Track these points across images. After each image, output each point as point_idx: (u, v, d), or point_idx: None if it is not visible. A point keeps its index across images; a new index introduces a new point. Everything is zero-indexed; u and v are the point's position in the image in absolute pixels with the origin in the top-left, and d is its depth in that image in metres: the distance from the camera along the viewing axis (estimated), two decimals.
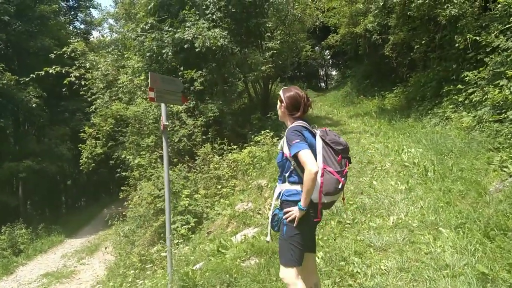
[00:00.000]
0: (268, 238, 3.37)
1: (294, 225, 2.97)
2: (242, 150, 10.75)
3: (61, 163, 25.82)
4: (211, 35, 11.06)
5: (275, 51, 12.91)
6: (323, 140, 3.04)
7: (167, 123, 5.89)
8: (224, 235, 7.18)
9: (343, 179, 3.00)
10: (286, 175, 3.06)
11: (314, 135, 3.07)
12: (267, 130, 11.25)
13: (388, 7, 14.35)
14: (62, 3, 28.02)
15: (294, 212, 2.96)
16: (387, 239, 4.85)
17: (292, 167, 3.01)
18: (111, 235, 14.04)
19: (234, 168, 10.30)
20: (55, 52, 12.08)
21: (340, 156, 3.05)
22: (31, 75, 12.00)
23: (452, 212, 5.19)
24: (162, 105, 5.79)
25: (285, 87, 3.25)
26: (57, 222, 21.41)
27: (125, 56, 13.82)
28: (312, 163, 2.82)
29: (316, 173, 2.82)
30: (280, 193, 3.14)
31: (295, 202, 2.98)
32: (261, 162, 10.07)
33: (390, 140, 10.13)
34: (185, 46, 11.50)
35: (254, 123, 13.02)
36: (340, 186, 2.99)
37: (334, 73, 41.53)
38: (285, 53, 14.35)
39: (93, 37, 30.48)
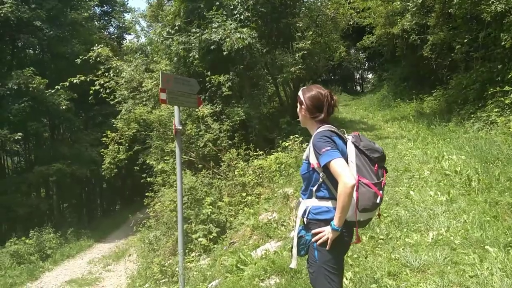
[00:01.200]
0: (294, 265, 2.81)
1: (327, 248, 2.55)
2: (268, 156, 10.26)
3: (96, 167, 26.18)
4: (239, 36, 10.66)
5: (305, 52, 12.37)
6: (356, 147, 2.63)
7: (180, 127, 5.45)
8: (245, 248, 6.68)
9: (381, 192, 2.60)
10: (314, 189, 2.63)
11: (345, 142, 2.68)
12: (296, 135, 10.73)
13: (427, 6, 13.70)
14: (97, 8, 28.58)
15: (326, 233, 2.53)
16: (426, 258, 4.29)
17: (320, 179, 2.59)
18: (136, 242, 13.83)
19: (260, 175, 9.81)
20: (80, 57, 12.08)
21: (376, 166, 2.66)
22: (57, 87, 12.26)
23: (501, 228, 4.59)
24: (176, 108, 5.36)
25: (305, 87, 2.87)
26: (90, 226, 21.56)
27: (154, 59, 13.67)
28: (349, 175, 2.41)
29: (353, 186, 2.41)
30: (306, 210, 2.68)
31: (326, 222, 2.57)
32: (288, 169, 9.57)
33: (429, 146, 9.60)
34: (212, 47, 11.16)
35: (282, 127, 12.51)
36: (378, 200, 2.58)
37: (370, 76, 40.68)
38: (317, 54, 13.77)
39: (127, 41, 30.84)
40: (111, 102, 11.73)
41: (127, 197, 37.78)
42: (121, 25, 30.22)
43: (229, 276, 5.54)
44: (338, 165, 2.43)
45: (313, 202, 2.64)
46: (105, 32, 28.63)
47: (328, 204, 2.59)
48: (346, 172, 2.41)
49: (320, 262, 2.58)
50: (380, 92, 22.56)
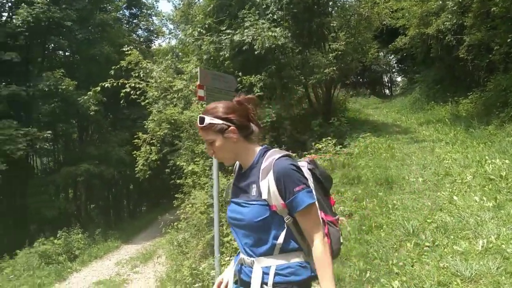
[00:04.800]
0: None
1: None
2: (301, 157, 9.96)
3: (123, 168, 26.41)
4: (271, 35, 10.44)
5: (340, 52, 12.06)
6: (313, 175, 2.10)
7: None
8: None
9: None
10: (278, 241, 1.92)
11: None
12: (329, 138, 10.46)
13: (464, 6, 13.25)
14: (125, 11, 28.89)
15: None
16: (477, 267, 4.02)
17: (285, 226, 1.93)
18: (164, 244, 13.70)
19: None
20: (113, 67, 12.12)
21: (330, 197, 2.21)
22: (89, 93, 12.37)
23: None
24: None
25: (206, 108, 2.13)
26: (117, 227, 21.62)
27: (183, 60, 13.59)
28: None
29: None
30: (266, 274, 1.94)
31: (303, 284, 1.93)
32: None
33: (469, 150, 9.22)
34: (244, 48, 10.98)
35: (315, 129, 12.21)
36: (341, 241, 2.12)
37: (399, 79, 40.09)
38: (350, 55, 13.44)
39: (155, 44, 31.04)
40: (142, 104, 11.63)
41: (153, 199, 37.96)
42: (149, 28, 30.47)
43: None
44: (317, 212, 1.93)
45: (278, 260, 1.93)
46: (134, 35, 28.84)
47: (300, 258, 1.95)
48: (321, 222, 1.95)
49: None
50: (412, 95, 22.06)
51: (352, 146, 11.18)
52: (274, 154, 1.96)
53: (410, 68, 27.77)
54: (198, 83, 4.88)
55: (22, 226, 20.57)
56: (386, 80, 41.68)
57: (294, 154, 9.96)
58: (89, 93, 12.64)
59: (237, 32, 11.22)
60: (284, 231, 1.92)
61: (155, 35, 30.45)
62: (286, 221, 1.92)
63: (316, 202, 1.93)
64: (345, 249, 5.34)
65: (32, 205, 19.79)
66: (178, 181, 11.24)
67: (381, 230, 5.74)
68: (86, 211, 25.26)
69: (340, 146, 10.38)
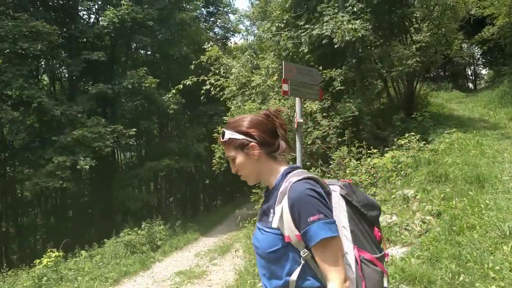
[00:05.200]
0: None
1: None
2: (383, 154, 9.63)
3: (200, 163, 27.18)
4: (351, 27, 10.18)
5: (424, 44, 11.49)
6: (348, 202, 1.76)
7: (302, 121, 5.16)
8: None
9: (386, 269, 1.80)
10: (292, 278, 1.66)
11: (328, 193, 1.76)
12: (412, 133, 10.00)
13: None
14: (203, 10, 29.61)
15: None
16: None
17: (302, 261, 1.66)
18: (241, 238, 13.87)
19: (374, 175, 9.23)
20: (193, 62, 12.41)
21: (375, 229, 1.84)
22: (173, 91, 12.81)
23: None
24: (297, 100, 5.08)
25: (228, 121, 1.96)
26: (194, 220, 22.30)
27: (260, 56, 13.67)
28: (345, 267, 1.64)
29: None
30: None
31: None
32: (405, 169, 8.90)
33: None
34: (323, 42, 10.80)
35: (396, 124, 11.76)
36: (386, 284, 1.76)
37: (484, 71, 37.71)
38: (433, 47, 12.78)
39: (231, 42, 31.54)
40: (221, 99, 11.87)
41: (227, 194, 38.72)
42: (226, 26, 31.01)
43: None
44: (337, 249, 1.63)
45: None
46: (211, 33, 29.49)
47: None
48: (343, 262, 1.63)
49: None
50: (500, 88, 20.56)
51: (436, 142, 10.61)
52: (294, 176, 1.71)
53: (497, 59, 26.05)
54: (283, 77, 4.83)
55: (108, 217, 21.87)
56: (469, 73, 39.43)
57: (375, 150, 9.69)
58: (172, 91, 13.06)
59: (315, 26, 11.06)
60: (300, 267, 1.65)
61: (231, 33, 30.98)
62: (303, 255, 1.64)
63: (337, 240, 1.62)
64: (435, 250, 5.09)
65: (117, 197, 20.94)
66: None
67: (474, 231, 5.38)
68: (166, 204, 26.28)
69: (424, 142, 9.90)
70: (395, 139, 10.23)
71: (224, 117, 12.90)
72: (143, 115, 21.50)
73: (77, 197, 23.44)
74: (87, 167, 17.02)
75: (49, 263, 9.91)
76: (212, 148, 11.62)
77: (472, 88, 35.22)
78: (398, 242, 6.13)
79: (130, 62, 23.89)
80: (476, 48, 31.07)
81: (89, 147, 17.31)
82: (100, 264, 11.98)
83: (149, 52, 26.21)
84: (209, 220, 22.66)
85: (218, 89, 11.55)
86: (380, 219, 7.16)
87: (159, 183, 26.84)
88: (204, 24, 29.62)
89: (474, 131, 11.67)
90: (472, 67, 38.67)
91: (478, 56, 35.21)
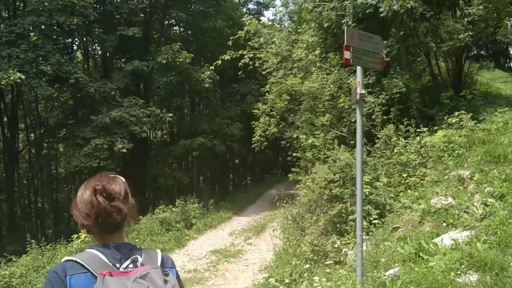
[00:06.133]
0: None
1: None
2: (434, 133, 9.07)
3: (231, 143, 26.93)
4: None
5: (476, 17, 10.70)
6: None
7: (364, 92, 4.71)
8: (420, 235, 5.79)
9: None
10: None
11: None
12: (462, 111, 9.39)
13: None
14: None
15: None
16: None
17: None
18: (277, 217, 13.59)
19: (423, 155, 8.71)
20: (231, 38, 12.04)
21: None
22: (211, 67, 12.57)
23: None
24: (358, 69, 4.63)
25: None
26: (225, 199, 22.20)
27: (299, 30, 13.09)
28: None
29: None
30: None
31: None
32: (458, 149, 8.34)
33: None
34: (368, 11, 10.15)
35: (444, 102, 11.10)
36: None
37: None
38: (485, 21, 11.92)
39: (265, 17, 31.04)
40: (263, 72, 11.43)
41: (257, 174, 38.59)
42: (260, 1, 30.40)
43: (412, 266, 4.74)
44: None
45: None
46: (244, 9, 28.99)
47: None
48: None
49: None
50: None
51: (488, 121, 9.97)
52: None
53: None
54: (345, 43, 4.38)
55: (141, 194, 21.93)
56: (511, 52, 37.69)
57: (425, 128, 9.12)
58: (211, 67, 12.73)
59: None
60: None
61: (265, 7, 30.39)
62: None
63: None
64: (503, 235, 4.61)
65: (151, 174, 20.94)
66: (294, 154, 10.94)
67: None
68: (197, 183, 26.29)
69: (475, 121, 9.29)
70: (445, 118, 9.64)
71: (258, 97, 12.52)
72: (176, 92, 21.26)
73: None
74: (124, 150, 16.97)
75: (86, 238, 9.84)
76: (252, 126, 11.23)
77: None
78: (459, 226, 5.65)
79: (163, 39, 23.59)
80: None
81: (126, 128, 17.25)
82: (136, 240, 11.91)
83: (182, 29, 25.89)
84: (241, 199, 22.57)
85: (258, 63, 11.11)
86: (435, 200, 6.75)
87: (190, 161, 26.80)
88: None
89: None
90: None
91: None
